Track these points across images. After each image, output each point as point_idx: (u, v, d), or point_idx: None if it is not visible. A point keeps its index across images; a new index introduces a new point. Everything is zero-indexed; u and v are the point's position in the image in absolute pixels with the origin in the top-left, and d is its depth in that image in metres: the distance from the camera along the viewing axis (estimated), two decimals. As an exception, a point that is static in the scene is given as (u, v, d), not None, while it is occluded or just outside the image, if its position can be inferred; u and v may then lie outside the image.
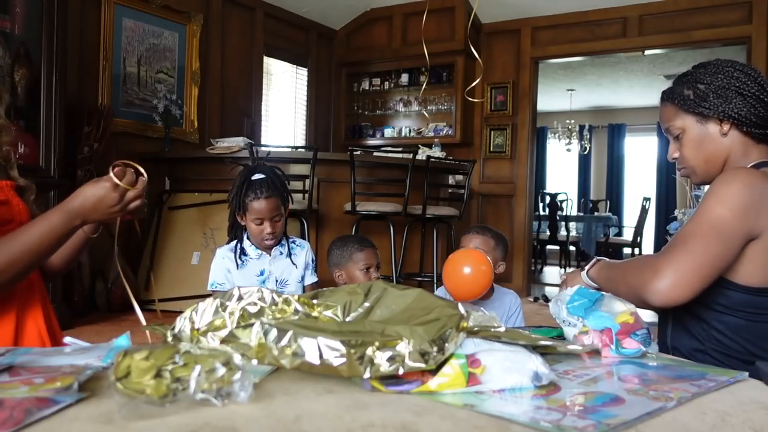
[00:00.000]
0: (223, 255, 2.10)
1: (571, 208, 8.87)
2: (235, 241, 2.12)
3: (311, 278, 2.20)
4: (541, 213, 8.49)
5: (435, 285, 4.07)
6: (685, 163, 1.34)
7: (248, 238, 2.12)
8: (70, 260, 1.35)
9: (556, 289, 6.55)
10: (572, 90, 8.92)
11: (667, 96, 1.35)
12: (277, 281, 2.11)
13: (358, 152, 4.24)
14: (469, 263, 1.76)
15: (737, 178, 1.16)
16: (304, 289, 2.19)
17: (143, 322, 1.04)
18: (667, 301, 1.10)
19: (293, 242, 2.18)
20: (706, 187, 1.31)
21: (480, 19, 5.83)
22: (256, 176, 2.08)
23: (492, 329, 0.80)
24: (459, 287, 1.77)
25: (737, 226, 1.13)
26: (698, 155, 1.31)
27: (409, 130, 6.35)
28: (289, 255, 2.14)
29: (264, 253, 2.11)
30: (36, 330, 1.21)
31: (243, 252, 2.10)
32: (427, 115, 6.04)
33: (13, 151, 1.31)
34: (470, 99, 5.46)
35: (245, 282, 2.05)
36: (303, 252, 2.18)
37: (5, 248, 1.07)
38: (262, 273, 2.10)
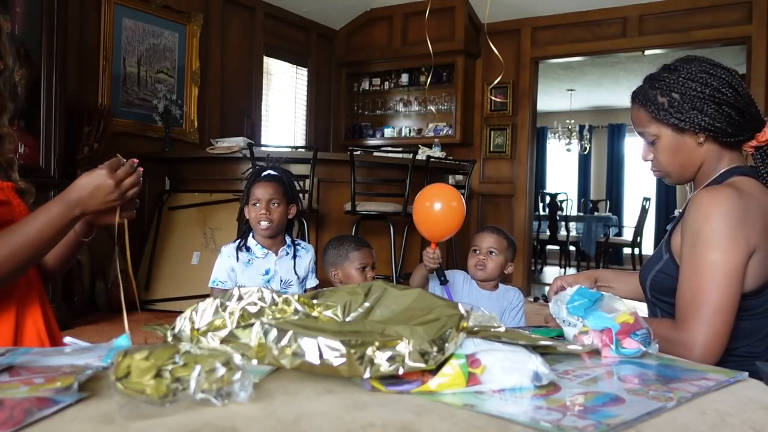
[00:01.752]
0: (229, 253, 2.13)
1: (571, 208, 8.87)
2: (240, 239, 2.16)
3: (312, 282, 2.23)
4: (541, 213, 8.49)
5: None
6: (660, 167, 1.34)
7: (254, 236, 2.15)
8: (65, 262, 1.35)
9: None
10: (572, 90, 8.91)
11: (640, 101, 1.31)
12: (281, 281, 2.14)
13: (358, 152, 4.24)
14: (439, 200, 1.80)
15: (715, 208, 1.16)
16: (305, 291, 2.21)
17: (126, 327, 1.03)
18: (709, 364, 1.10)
19: (299, 245, 2.22)
20: None
21: (480, 19, 5.83)
22: (265, 173, 2.17)
23: (492, 329, 0.80)
24: (431, 226, 1.82)
25: (736, 262, 1.15)
26: (673, 162, 1.31)
27: (409, 130, 6.36)
28: (294, 257, 2.17)
29: (270, 252, 2.14)
30: (35, 330, 1.21)
31: (248, 249, 2.13)
32: (434, 111, 6.04)
33: (15, 155, 1.31)
34: (496, 99, 5.50)
35: (250, 280, 2.08)
36: (308, 256, 2.22)
37: (6, 241, 1.07)
38: (267, 272, 2.13)
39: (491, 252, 2.07)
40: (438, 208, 1.81)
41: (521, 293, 2.17)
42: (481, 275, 2.08)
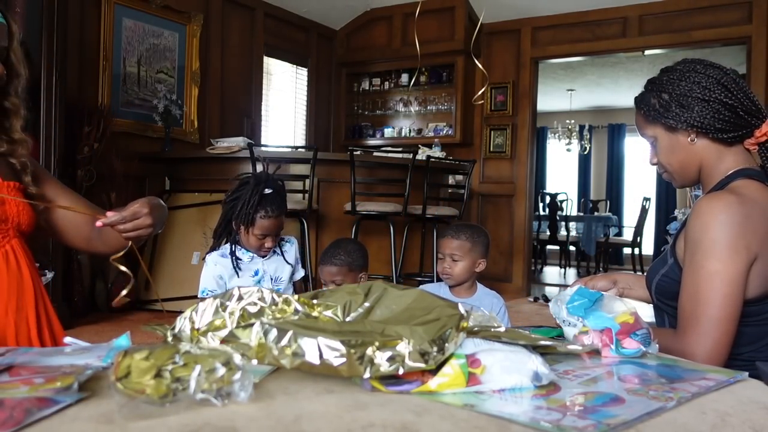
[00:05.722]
0: (216, 261, 2.10)
1: (571, 208, 8.87)
2: (227, 248, 2.12)
3: (300, 272, 2.26)
4: (541, 213, 8.49)
5: (435, 285, 4.07)
6: (664, 169, 1.36)
7: (238, 243, 2.13)
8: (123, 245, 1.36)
9: (556, 289, 6.54)
10: (572, 90, 8.91)
11: (636, 104, 1.36)
12: (271, 279, 2.15)
13: (358, 152, 4.24)
14: None
15: (713, 217, 1.16)
16: (294, 283, 2.24)
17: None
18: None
19: (282, 239, 2.22)
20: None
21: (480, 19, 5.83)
22: (267, 191, 2.06)
23: (492, 329, 0.80)
24: None
25: (735, 271, 1.14)
26: (672, 162, 1.32)
27: (409, 130, 6.35)
28: (281, 253, 2.19)
29: (255, 255, 2.14)
30: (26, 335, 1.19)
31: (235, 256, 2.11)
32: (415, 104, 6.02)
33: (30, 161, 1.30)
34: (475, 103, 5.49)
35: (241, 283, 2.07)
36: (292, 248, 2.23)
37: None
38: (257, 273, 2.13)
39: (453, 259, 2.02)
40: None
41: (501, 298, 2.11)
42: (449, 282, 2.06)
